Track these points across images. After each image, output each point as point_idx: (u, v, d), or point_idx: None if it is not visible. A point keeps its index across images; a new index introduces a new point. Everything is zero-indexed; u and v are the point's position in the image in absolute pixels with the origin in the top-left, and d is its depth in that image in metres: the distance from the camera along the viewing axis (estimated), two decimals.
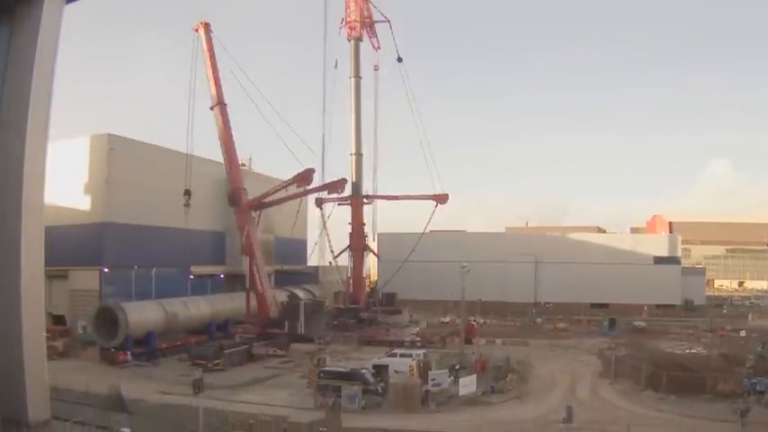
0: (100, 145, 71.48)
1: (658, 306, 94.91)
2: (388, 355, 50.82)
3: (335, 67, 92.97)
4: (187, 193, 66.40)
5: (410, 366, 44.41)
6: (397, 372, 43.49)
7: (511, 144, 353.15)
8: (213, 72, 67.03)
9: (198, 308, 70.95)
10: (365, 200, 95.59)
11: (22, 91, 26.54)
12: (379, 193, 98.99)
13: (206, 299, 75.13)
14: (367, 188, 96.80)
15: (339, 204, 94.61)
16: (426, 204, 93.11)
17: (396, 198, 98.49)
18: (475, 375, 44.37)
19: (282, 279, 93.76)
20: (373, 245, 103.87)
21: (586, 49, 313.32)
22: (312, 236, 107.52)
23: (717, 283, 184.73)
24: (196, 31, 67.17)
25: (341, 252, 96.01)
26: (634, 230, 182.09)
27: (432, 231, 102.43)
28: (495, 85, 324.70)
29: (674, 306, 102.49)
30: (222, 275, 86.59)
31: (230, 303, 75.39)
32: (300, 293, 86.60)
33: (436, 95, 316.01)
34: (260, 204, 69.43)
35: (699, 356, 52.26)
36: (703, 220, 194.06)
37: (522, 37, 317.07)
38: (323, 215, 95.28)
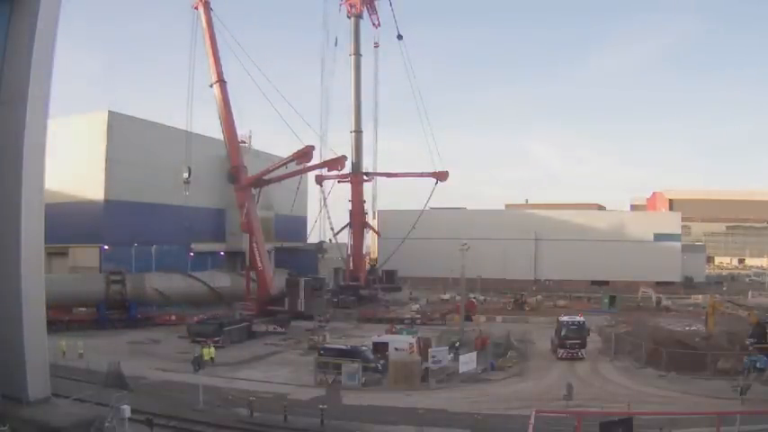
0: (99, 122, 71.30)
1: (658, 283, 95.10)
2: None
3: (336, 44, 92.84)
4: (187, 170, 66.16)
5: (410, 344, 44.49)
6: (396, 349, 43.53)
7: (510, 120, 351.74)
8: (213, 49, 66.40)
9: None
10: (365, 177, 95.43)
11: (21, 68, 26.42)
12: (379, 171, 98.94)
13: None
14: (367, 165, 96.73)
15: (339, 181, 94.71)
16: (426, 181, 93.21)
17: (395, 175, 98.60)
18: (475, 352, 44.38)
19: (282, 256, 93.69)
20: (373, 222, 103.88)
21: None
22: (312, 213, 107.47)
23: (717, 260, 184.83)
24: (196, 8, 66.49)
25: (341, 229, 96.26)
26: (634, 207, 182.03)
27: (432, 208, 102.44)
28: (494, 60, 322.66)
29: (673, 283, 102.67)
30: (222, 253, 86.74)
31: None
32: None
33: (437, 70, 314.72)
34: (260, 182, 69.03)
35: (699, 333, 52.16)
36: (704, 197, 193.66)
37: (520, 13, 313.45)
38: (323, 192, 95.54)
